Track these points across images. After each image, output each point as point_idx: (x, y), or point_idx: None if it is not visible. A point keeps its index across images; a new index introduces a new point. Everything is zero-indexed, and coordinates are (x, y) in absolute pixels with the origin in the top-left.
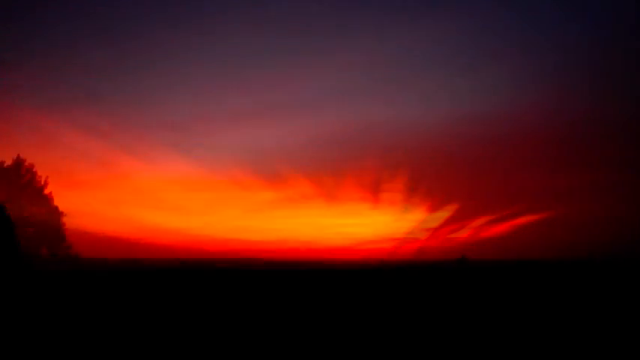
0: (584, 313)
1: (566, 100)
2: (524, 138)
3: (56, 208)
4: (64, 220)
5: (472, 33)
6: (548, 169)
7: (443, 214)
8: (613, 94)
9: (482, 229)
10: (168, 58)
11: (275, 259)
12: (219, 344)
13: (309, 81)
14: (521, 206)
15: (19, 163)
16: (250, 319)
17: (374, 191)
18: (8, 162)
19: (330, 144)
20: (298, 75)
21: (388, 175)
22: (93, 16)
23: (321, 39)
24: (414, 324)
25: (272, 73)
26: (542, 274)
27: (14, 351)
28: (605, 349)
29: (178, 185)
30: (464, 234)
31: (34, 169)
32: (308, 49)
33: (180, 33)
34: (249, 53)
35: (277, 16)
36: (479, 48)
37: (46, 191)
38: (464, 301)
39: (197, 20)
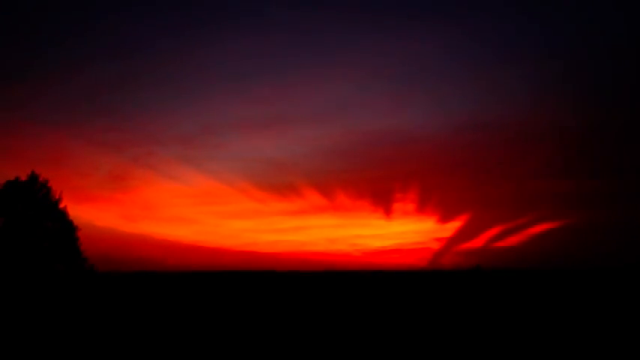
0: (605, 322)
1: (580, 106)
2: (538, 144)
3: (71, 222)
4: (79, 234)
5: (484, 38)
6: (565, 175)
7: (455, 224)
8: (631, 100)
9: (496, 238)
10: (177, 72)
11: (288, 270)
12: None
13: (319, 91)
14: (537, 214)
15: (34, 178)
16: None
17: (385, 201)
18: (23, 178)
19: (340, 154)
20: (308, 86)
21: (400, 185)
22: (103, 32)
23: (328, 50)
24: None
25: (281, 85)
26: (559, 284)
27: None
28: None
29: (190, 198)
30: (477, 243)
31: (48, 184)
32: (317, 60)
33: (189, 47)
34: (258, 66)
35: (284, 29)
36: (490, 53)
37: (61, 206)
38: (481, 311)
39: (206, 35)
